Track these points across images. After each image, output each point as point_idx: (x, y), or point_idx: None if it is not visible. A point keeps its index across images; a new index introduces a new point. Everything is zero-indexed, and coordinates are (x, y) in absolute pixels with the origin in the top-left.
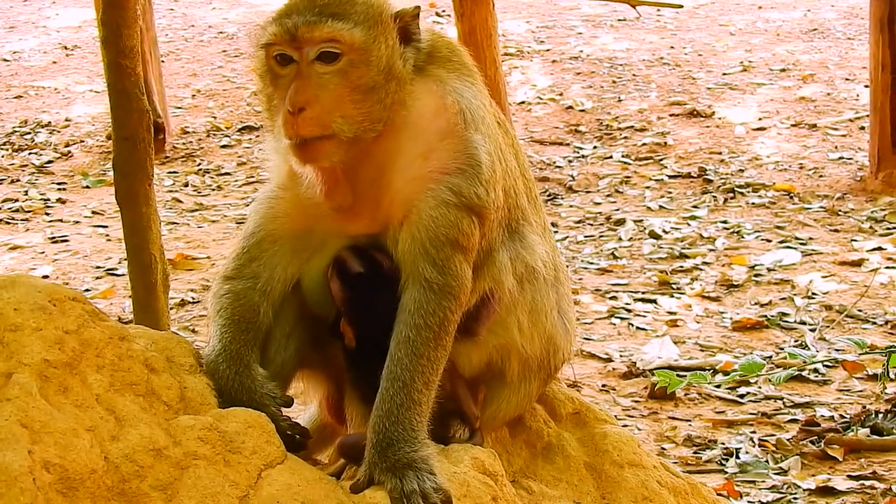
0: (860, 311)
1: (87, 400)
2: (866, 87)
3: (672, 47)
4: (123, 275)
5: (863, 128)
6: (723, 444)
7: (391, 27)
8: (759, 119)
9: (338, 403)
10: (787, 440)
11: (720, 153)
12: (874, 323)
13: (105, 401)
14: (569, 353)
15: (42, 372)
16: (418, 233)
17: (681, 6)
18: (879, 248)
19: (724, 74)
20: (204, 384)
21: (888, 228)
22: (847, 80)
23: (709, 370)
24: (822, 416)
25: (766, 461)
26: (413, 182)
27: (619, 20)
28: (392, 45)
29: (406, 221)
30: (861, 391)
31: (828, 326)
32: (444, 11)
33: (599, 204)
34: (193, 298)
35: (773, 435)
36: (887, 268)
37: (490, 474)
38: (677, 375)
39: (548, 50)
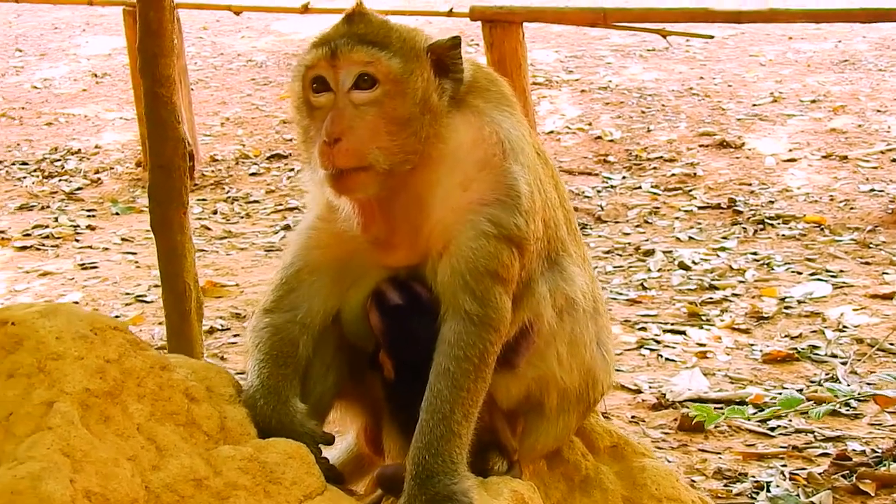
0: (892, 344)
1: (129, 429)
2: None
3: (702, 78)
4: (153, 301)
5: (894, 160)
6: (753, 477)
7: (426, 60)
8: (790, 150)
9: (376, 434)
10: (819, 474)
11: (750, 184)
12: None
13: (146, 430)
14: (608, 386)
15: (84, 401)
16: (458, 264)
17: (711, 36)
18: None
19: (755, 105)
20: (244, 414)
21: None
22: (878, 111)
23: (739, 403)
24: (854, 450)
25: (798, 495)
26: (452, 213)
27: (649, 50)
28: (427, 77)
29: (445, 253)
30: (893, 425)
31: (859, 360)
32: (472, 41)
33: (628, 234)
34: (222, 326)
35: (804, 469)
36: None
37: None
38: (708, 407)
39: (577, 80)
